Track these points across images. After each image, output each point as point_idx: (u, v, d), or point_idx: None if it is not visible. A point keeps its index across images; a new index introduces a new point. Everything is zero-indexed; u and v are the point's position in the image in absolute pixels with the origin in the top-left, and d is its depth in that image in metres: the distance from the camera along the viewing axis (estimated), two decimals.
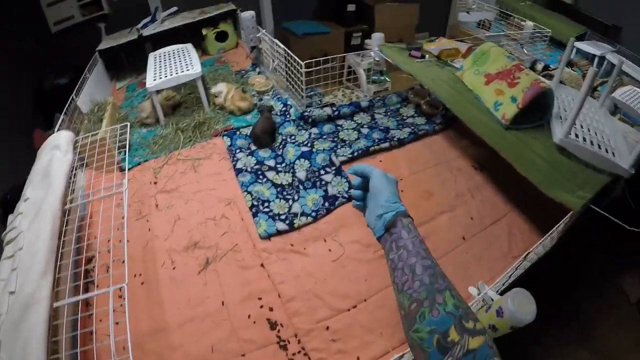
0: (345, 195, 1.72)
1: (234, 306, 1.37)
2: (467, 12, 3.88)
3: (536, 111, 1.70)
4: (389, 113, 2.30)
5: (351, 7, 3.83)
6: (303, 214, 1.65)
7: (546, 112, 1.72)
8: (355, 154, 1.92)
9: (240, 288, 1.42)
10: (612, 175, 1.51)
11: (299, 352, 1.27)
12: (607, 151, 1.54)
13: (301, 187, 1.78)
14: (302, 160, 1.90)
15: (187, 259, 1.52)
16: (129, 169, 1.89)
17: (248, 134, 2.08)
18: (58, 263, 1.33)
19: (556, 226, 1.40)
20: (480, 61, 1.98)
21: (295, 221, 1.61)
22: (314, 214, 1.65)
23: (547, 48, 3.24)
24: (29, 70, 3.04)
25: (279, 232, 1.58)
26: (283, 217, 1.63)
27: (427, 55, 2.35)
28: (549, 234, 1.39)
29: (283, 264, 1.49)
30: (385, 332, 1.32)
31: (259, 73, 2.72)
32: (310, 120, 2.14)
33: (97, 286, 1.39)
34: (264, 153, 1.97)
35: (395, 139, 2.04)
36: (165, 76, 2.16)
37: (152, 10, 3.10)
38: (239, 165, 1.87)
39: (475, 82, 1.93)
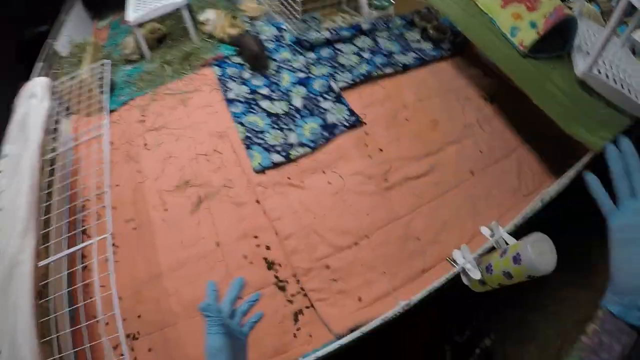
0: (346, 124, 1.58)
1: (229, 246, 1.30)
2: None
3: (558, 39, 1.53)
4: (392, 37, 2.09)
5: None
6: (300, 144, 1.53)
7: (567, 41, 1.54)
8: (356, 79, 1.76)
9: (235, 226, 1.34)
10: (633, 119, 1.39)
11: (298, 292, 1.20)
12: (629, 91, 1.41)
13: (298, 115, 1.64)
14: (299, 87, 1.76)
15: (179, 198, 1.44)
16: (114, 110, 1.78)
17: (241, 62, 1.91)
18: (43, 217, 1.27)
19: (574, 165, 1.30)
20: None
21: (291, 152, 1.50)
22: (312, 144, 1.53)
23: None
24: (9, 22, 2.85)
25: (275, 165, 1.47)
26: (279, 148, 1.52)
27: None
28: (566, 173, 1.29)
29: (279, 198, 1.39)
30: (388, 271, 1.24)
31: None
32: (307, 44, 1.95)
33: (88, 236, 1.33)
34: (257, 81, 1.81)
35: (399, 64, 1.86)
36: (148, 7, 1.97)
37: None
38: (231, 95, 1.73)
39: (491, 4, 1.71)
